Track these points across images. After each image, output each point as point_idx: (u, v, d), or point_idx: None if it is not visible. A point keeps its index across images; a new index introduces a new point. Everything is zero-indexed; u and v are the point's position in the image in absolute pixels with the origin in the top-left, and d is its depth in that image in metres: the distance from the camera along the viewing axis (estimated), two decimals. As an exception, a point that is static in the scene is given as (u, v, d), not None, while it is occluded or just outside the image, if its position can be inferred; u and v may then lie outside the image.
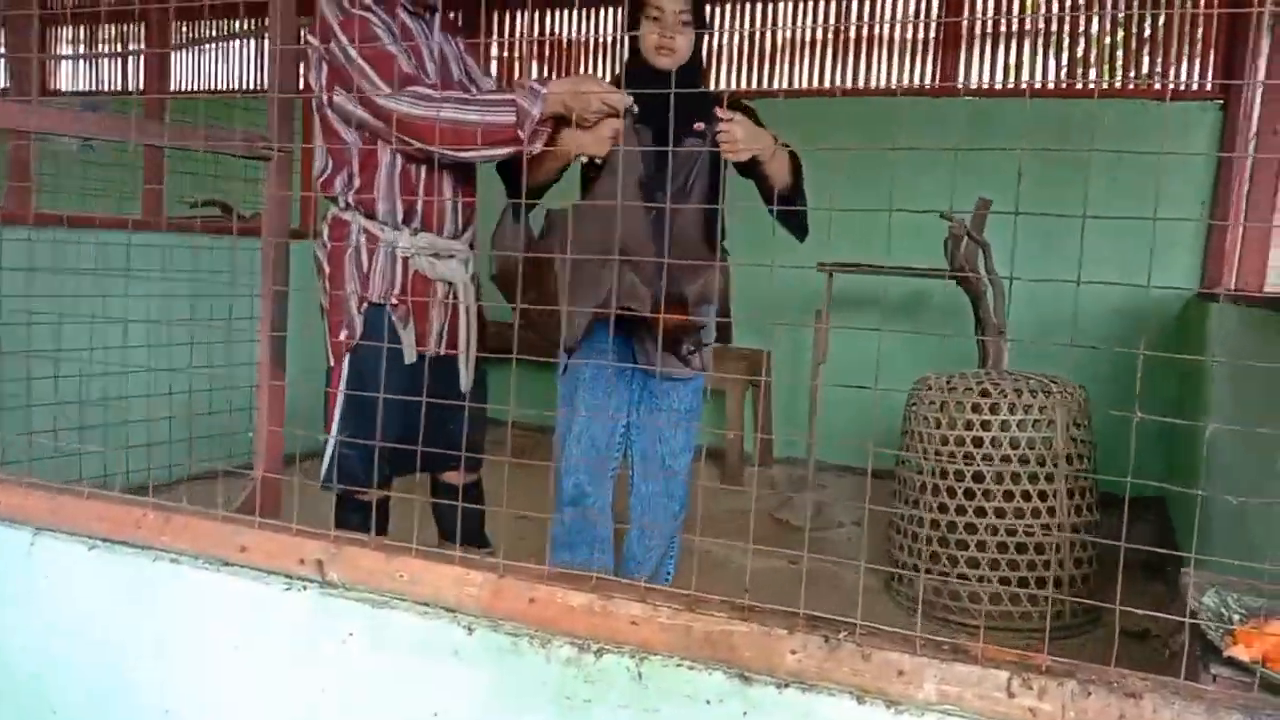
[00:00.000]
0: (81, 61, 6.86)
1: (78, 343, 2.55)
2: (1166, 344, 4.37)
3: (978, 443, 2.97)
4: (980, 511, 2.94)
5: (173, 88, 6.60)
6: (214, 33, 6.57)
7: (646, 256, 2.11)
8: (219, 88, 6.48)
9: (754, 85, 5.42)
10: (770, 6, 5.39)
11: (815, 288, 4.36)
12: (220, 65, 6.61)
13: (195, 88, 6.55)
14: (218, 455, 2.28)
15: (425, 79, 2.18)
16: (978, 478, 2.95)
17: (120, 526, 1.66)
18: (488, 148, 2.10)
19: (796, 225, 2.40)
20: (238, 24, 6.39)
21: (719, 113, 2.18)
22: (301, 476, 1.98)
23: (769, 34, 5.39)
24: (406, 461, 2.32)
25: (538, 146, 2.12)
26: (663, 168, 2.23)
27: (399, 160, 2.28)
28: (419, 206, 2.30)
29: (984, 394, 3.01)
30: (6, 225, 3.16)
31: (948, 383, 3.11)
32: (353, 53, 2.10)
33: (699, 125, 2.20)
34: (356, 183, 2.27)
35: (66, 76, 7.11)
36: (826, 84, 5.27)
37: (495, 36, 5.67)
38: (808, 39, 5.30)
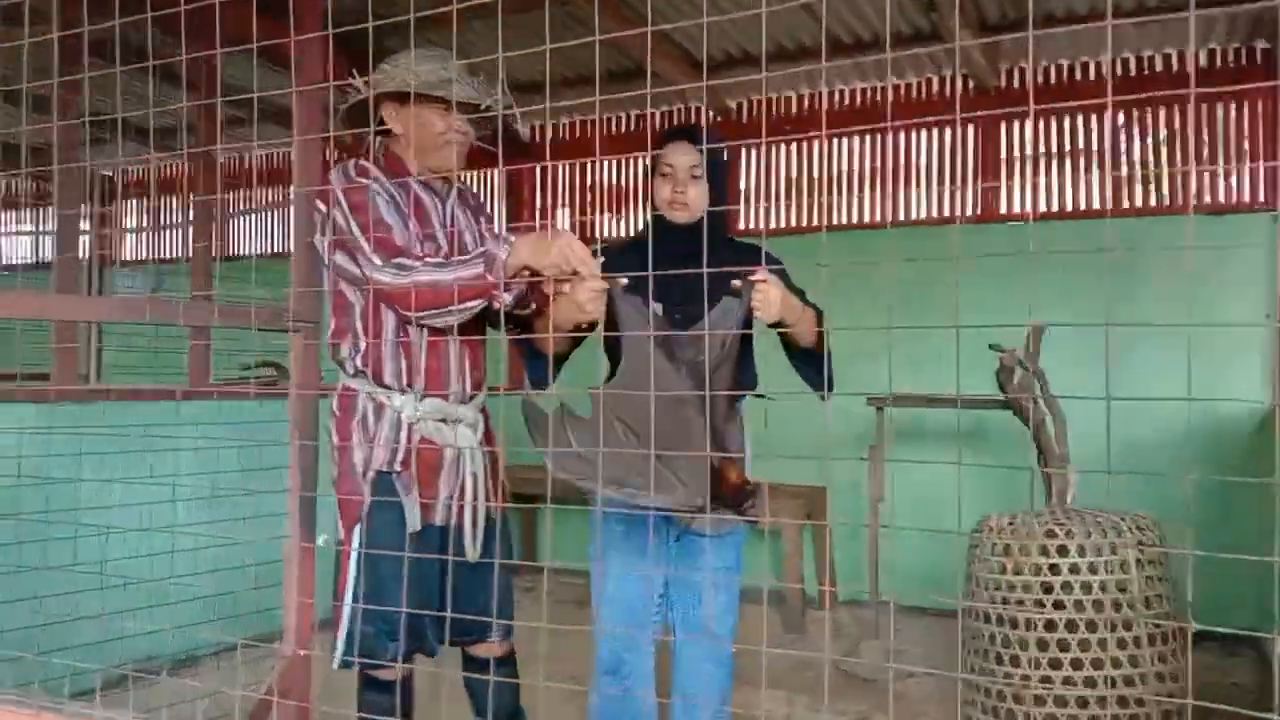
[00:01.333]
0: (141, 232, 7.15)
1: (111, 519, 2.54)
2: (1243, 465, 4.15)
3: (1047, 588, 2.79)
4: (1055, 664, 2.74)
5: (233, 251, 6.84)
6: (266, 198, 6.84)
7: (687, 439, 2.03)
8: (278, 250, 6.69)
9: (797, 223, 5.43)
10: (807, 145, 5.44)
11: (871, 420, 4.25)
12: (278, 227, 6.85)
13: (265, 251, 6.76)
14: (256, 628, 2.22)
15: (420, 249, 2.18)
16: (1049, 626, 2.77)
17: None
18: (463, 302, 2.08)
19: (817, 378, 2.33)
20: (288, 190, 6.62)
21: (757, 273, 2.12)
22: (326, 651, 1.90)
23: (812, 171, 5.43)
24: (421, 638, 2.25)
25: (509, 298, 2.11)
26: (687, 326, 2.17)
27: (398, 323, 2.27)
28: (423, 371, 2.26)
29: (1050, 534, 2.84)
30: (58, 402, 3.20)
31: (1010, 524, 2.95)
32: (351, 220, 2.14)
33: (737, 284, 2.15)
34: (362, 345, 2.26)
35: (131, 246, 7.41)
36: (869, 218, 5.27)
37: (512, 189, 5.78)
38: (849, 172, 5.32)
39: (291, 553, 2.55)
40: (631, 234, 4.65)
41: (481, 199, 2.62)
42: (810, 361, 2.32)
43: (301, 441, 2.40)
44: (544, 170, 5.91)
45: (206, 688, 2.55)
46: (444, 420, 2.31)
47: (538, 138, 5.92)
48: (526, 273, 2.10)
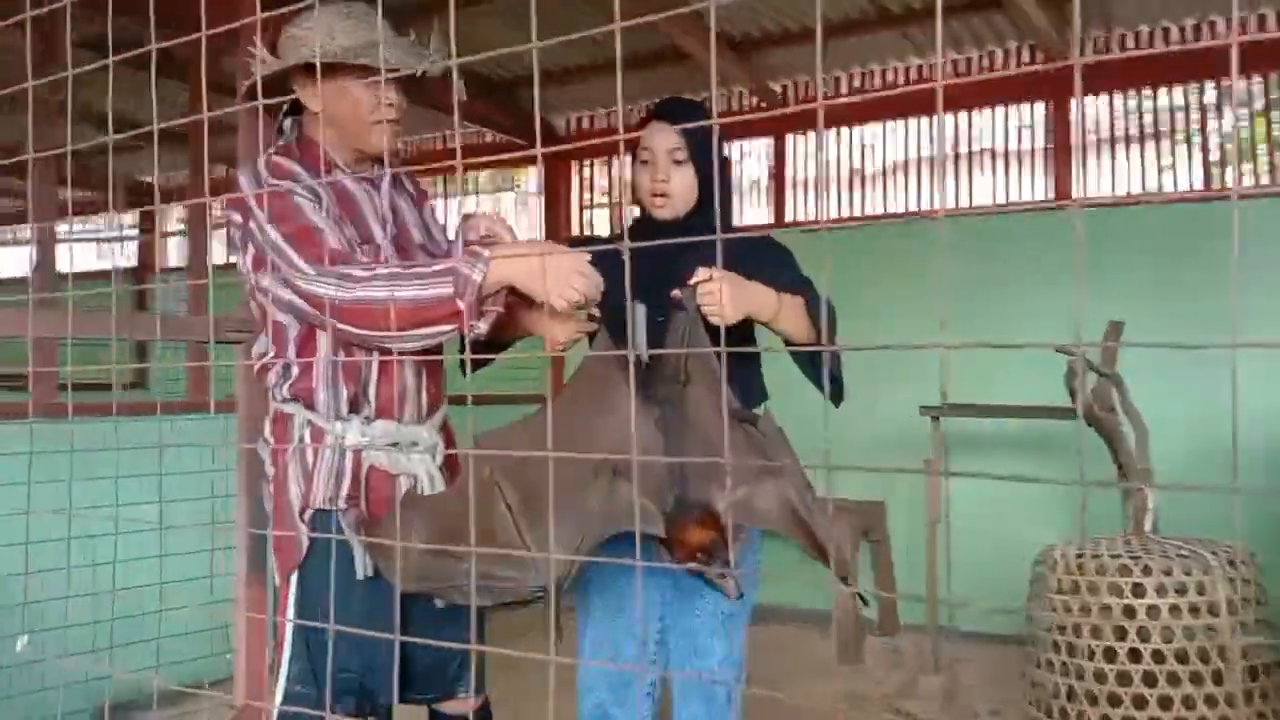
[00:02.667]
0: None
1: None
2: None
3: (1120, 634, 2.38)
4: (1130, 723, 2.34)
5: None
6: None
7: (654, 463, 1.67)
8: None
9: (845, 214, 5.03)
10: (858, 131, 5.03)
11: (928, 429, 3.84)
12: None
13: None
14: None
15: (361, 253, 1.84)
16: (1123, 679, 2.36)
17: None
18: (426, 327, 1.73)
19: (828, 385, 1.92)
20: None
21: (699, 272, 1.78)
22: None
23: (864, 159, 5.03)
24: (371, 698, 1.91)
25: (483, 328, 1.74)
26: (659, 344, 1.82)
27: (339, 341, 1.91)
28: (371, 392, 1.94)
29: (1123, 570, 2.43)
30: (39, 418, 3.00)
31: (1077, 558, 2.54)
32: (271, 231, 1.78)
33: (676, 294, 1.80)
34: (294, 372, 1.93)
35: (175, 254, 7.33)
36: (926, 205, 4.84)
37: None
38: (906, 161, 4.90)
39: (240, 594, 2.30)
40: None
41: (418, 183, 2.19)
42: (811, 361, 1.95)
43: (249, 468, 2.17)
44: (578, 164, 5.60)
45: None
46: (395, 445, 1.96)
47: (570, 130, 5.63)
48: (503, 292, 1.75)
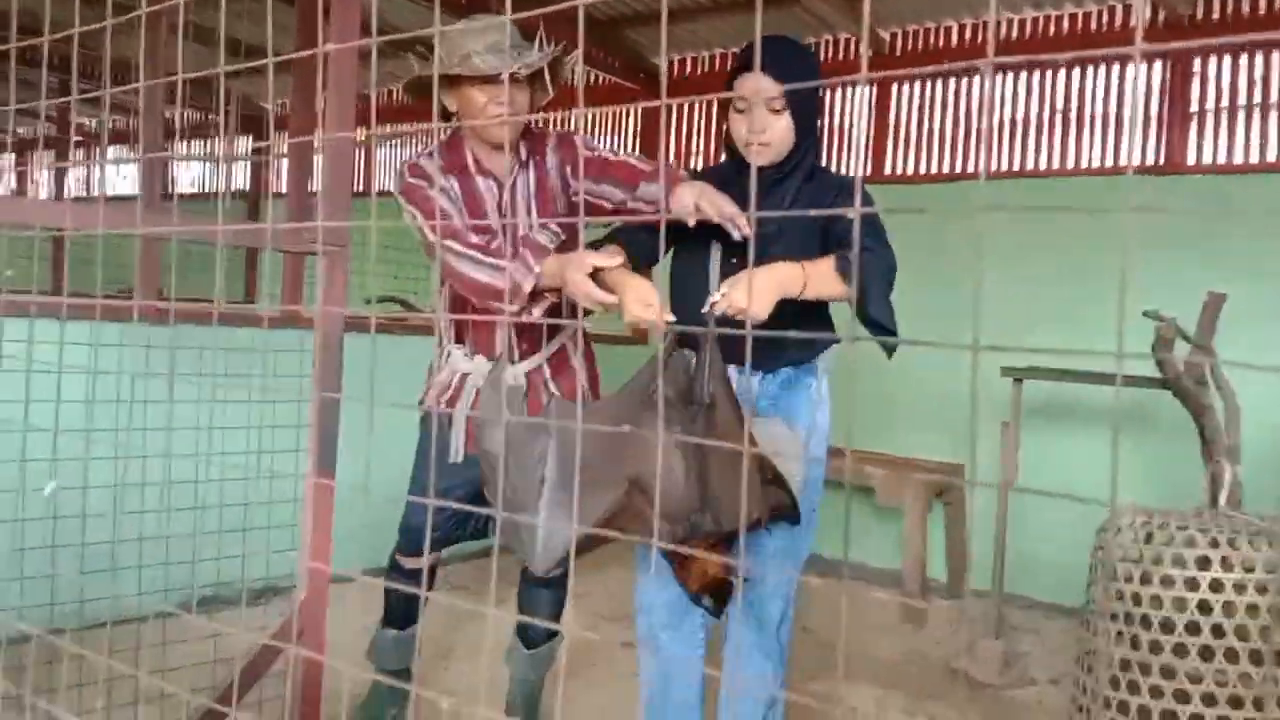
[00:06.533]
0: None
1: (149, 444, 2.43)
2: None
3: (1180, 605, 2.32)
4: (1181, 696, 2.28)
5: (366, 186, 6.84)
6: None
7: (676, 495, 1.76)
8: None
9: (944, 170, 4.90)
10: (955, 85, 4.88)
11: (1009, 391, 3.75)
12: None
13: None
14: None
15: (471, 238, 2.26)
16: (1179, 651, 2.30)
17: None
18: (494, 302, 2.18)
19: (879, 331, 1.94)
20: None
21: (718, 293, 1.87)
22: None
23: (965, 116, 4.88)
24: (447, 540, 2.55)
25: (536, 313, 2.16)
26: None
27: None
28: (470, 335, 2.46)
29: (1189, 543, 2.36)
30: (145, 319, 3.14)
31: (1144, 526, 2.47)
32: (417, 216, 2.29)
33: (705, 308, 1.89)
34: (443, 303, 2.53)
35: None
36: (1032, 165, 4.68)
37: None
38: (1016, 119, 4.74)
39: (308, 493, 2.40)
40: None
41: (585, 146, 2.52)
42: (869, 320, 1.94)
43: (324, 372, 2.28)
44: (680, 112, 5.56)
45: (210, 627, 2.43)
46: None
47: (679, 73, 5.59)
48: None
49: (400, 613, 2.69)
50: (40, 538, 2.24)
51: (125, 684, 2.24)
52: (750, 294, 1.79)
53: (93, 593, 2.35)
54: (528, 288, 2.09)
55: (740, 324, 1.82)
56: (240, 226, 2.15)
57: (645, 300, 1.87)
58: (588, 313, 2.11)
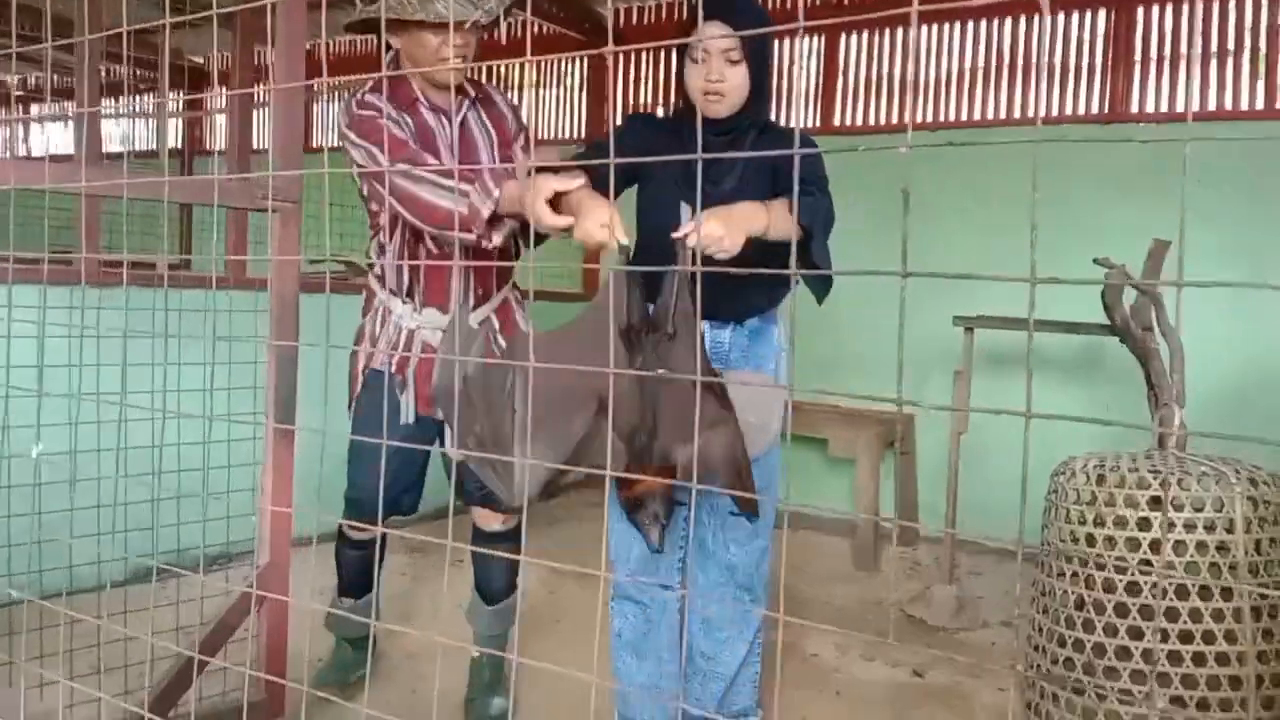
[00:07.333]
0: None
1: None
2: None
3: (1133, 545, 2.38)
4: (1135, 632, 2.35)
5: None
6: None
7: (626, 414, 1.77)
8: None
9: (891, 120, 4.92)
10: (902, 33, 4.88)
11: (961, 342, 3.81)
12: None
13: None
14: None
15: (431, 160, 2.25)
16: (1132, 589, 2.36)
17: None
18: (448, 230, 2.10)
19: (815, 281, 2.01)
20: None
21: (683, 227, 1.82)
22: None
23: (910, 65, 4.89)
24: (394, 507, 2.50)
25: (498, 240, 2.09)
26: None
27: (406, 235, 2.41)
28: (421, 282, 2.40)
29: (1141, 485, 2.42)
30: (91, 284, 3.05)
31: (1096, 469, 2.53)
32: (365, 144, 2.23)
33: (676, 234, 1.84)
34: (384, 254, 2.45)
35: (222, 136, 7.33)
36: (979, 116, 4.71)
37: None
38: (964, 70, 4.76)
39: (267, 456, 2.37)
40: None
41: (512, 100, 2.62)
42: (808, 264, 1.96)
43: (279, 334, 2.26)
44: (627, 62, 5.49)
45: (171, 595, 2.40)
46: (441, 329, 2.41)
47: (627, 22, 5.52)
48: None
49: (355, 583, 2.71)
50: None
51: (86, 654, 2.21)
52: (718, 226, 1.78)
53: (50, 562, 2.30)
54: (486, 212, 2.02)
55: (707, 263, 1.80)
56: (188, 179, 2.09)
57: (602, 220, 1.81)
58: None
